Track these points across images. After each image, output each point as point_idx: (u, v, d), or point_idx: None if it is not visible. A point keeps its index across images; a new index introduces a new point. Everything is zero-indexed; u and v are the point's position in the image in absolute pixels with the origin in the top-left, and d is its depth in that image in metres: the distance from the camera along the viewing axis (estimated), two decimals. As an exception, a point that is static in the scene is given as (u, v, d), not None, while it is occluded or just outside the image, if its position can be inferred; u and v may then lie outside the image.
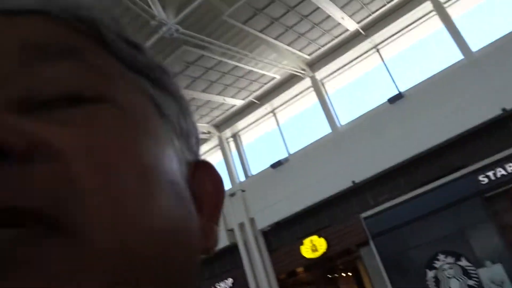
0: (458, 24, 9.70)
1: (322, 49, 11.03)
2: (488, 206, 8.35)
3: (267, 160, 11.97)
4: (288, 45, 10.37)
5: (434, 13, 10.11)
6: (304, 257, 10.46)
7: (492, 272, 7.98)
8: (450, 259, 8.48)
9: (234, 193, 11.76)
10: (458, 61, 9.50)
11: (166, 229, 0.24)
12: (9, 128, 0.21)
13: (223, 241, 10.60)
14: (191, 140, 0.34)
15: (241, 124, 12.98)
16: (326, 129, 11.21)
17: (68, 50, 0.27)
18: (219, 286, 11.76)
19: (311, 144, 11.34)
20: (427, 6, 10.08)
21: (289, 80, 11.84)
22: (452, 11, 9.92)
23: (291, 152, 11.81)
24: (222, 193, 0.34)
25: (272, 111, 12.66)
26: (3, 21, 0.27)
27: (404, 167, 9.34)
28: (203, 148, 8.65)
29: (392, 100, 10.00)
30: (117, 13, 0.32)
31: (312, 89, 11.81)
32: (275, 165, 11.44)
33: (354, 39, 10.77)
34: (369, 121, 10.25)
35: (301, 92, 12.18)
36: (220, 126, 13.05)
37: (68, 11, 0.28)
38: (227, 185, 12.11)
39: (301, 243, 10.51)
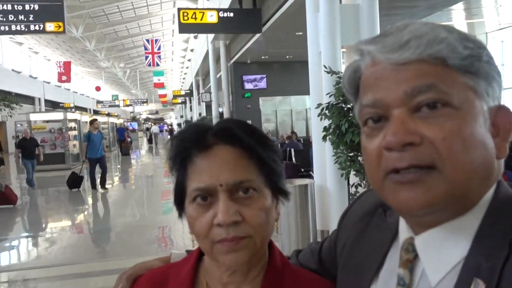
0: None
1: None
2: None
3: None
4: None
5: None
6: None
7: None
8: None
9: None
10: None
11: (475, 168, 0.53)
12: (412, 131, 0.52)
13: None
14: (494, 90, 0.57)
15: None
16: None
17: (430, 86, 0.53)
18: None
19: None
20: None
21: None
22: None
23: None
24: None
25: None
26: (397, 68, 0.55)
27: None
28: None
29: None
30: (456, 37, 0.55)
31: None
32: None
33: None
34: None
35: None
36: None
37: (431, 56, 0.53)
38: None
39: None
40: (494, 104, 0.57)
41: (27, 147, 11.59)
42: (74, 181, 10.90)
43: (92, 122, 11.52)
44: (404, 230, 0.63)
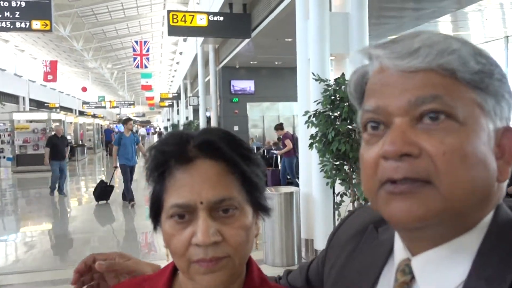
0: None
1: None
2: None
3: None
4: None
5: None
6: None
7: None
8: None
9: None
10: None
11: (473, 187, 0.50)
12: (412, 142, 0.50)
13: None
14: (503, 109, 0.54)
15: None
16: None
17: (435, 97, 0.50)
18: None
19: None
20: None
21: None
22: None
23: None
24: None
25: None
26: (404, 75, 0.52)
27: None
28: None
29: None
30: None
31: None
32: None
33: None
34: None
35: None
36: None
37: (440, 66, 0.50)
38: None
39: None
40: (502, 125, 0.54)
41: (59, 146, 10.25)
42: (103, 191, 9.11)
43: (126, 122, 9.16)
44: (400, 251, 0.59)
